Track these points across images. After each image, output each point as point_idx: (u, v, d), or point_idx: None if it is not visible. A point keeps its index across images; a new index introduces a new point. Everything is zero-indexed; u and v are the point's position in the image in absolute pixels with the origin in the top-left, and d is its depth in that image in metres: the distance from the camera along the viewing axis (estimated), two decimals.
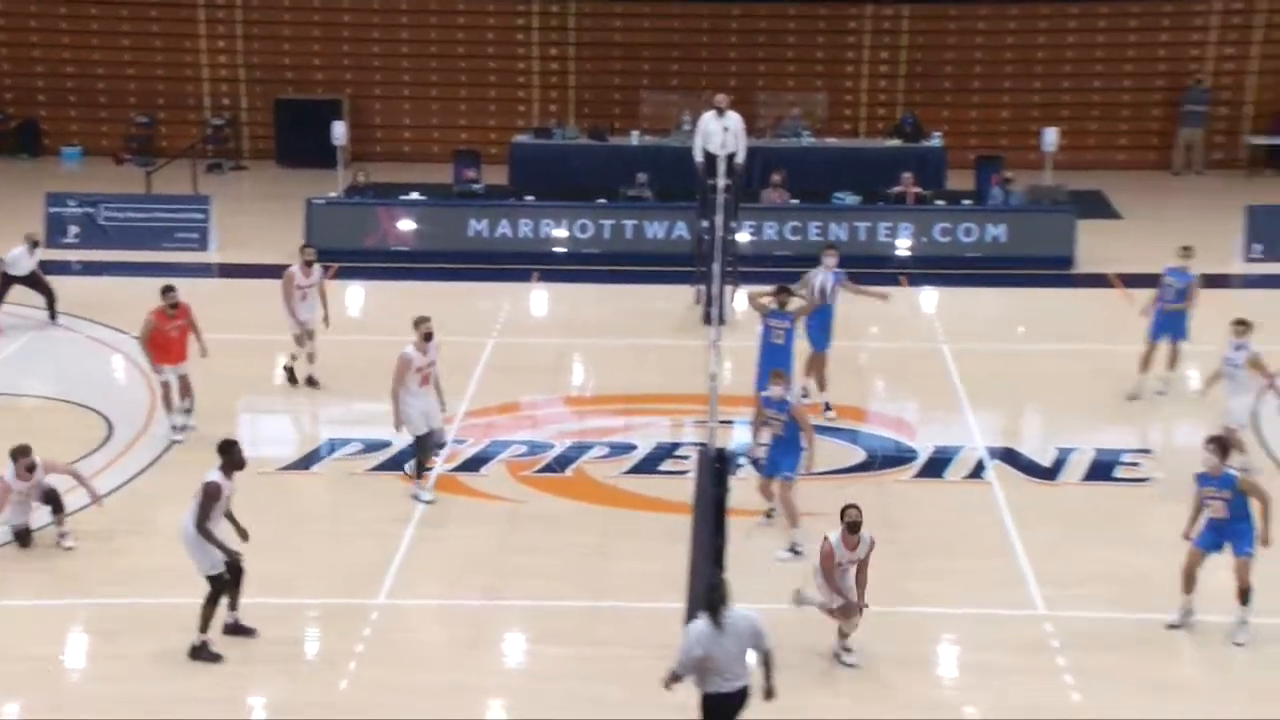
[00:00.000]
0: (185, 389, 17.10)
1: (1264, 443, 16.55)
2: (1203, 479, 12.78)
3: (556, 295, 22.91)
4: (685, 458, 15.99)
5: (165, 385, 17.00)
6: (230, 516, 12.59)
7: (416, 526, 14.92)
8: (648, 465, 16.37)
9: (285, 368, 18.59)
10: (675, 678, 10.37)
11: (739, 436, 16.58)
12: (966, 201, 25.50)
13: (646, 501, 15.49)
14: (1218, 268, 23.69)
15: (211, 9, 30.64)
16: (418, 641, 12.92)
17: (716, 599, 10.23)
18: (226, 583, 12.46)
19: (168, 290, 16.95)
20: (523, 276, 23.24)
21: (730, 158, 21.45)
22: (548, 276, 23.36)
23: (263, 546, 14.47)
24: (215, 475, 12.37)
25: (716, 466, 12.06)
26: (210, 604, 12.40)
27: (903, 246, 23.92)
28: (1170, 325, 17.92)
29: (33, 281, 21.00)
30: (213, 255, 24.43)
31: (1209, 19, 29.90)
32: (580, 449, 16.54)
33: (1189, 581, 12.81)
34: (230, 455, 12.45)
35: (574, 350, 20.30)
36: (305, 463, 16.52)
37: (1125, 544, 14.60)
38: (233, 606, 12.67)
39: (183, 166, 27.59)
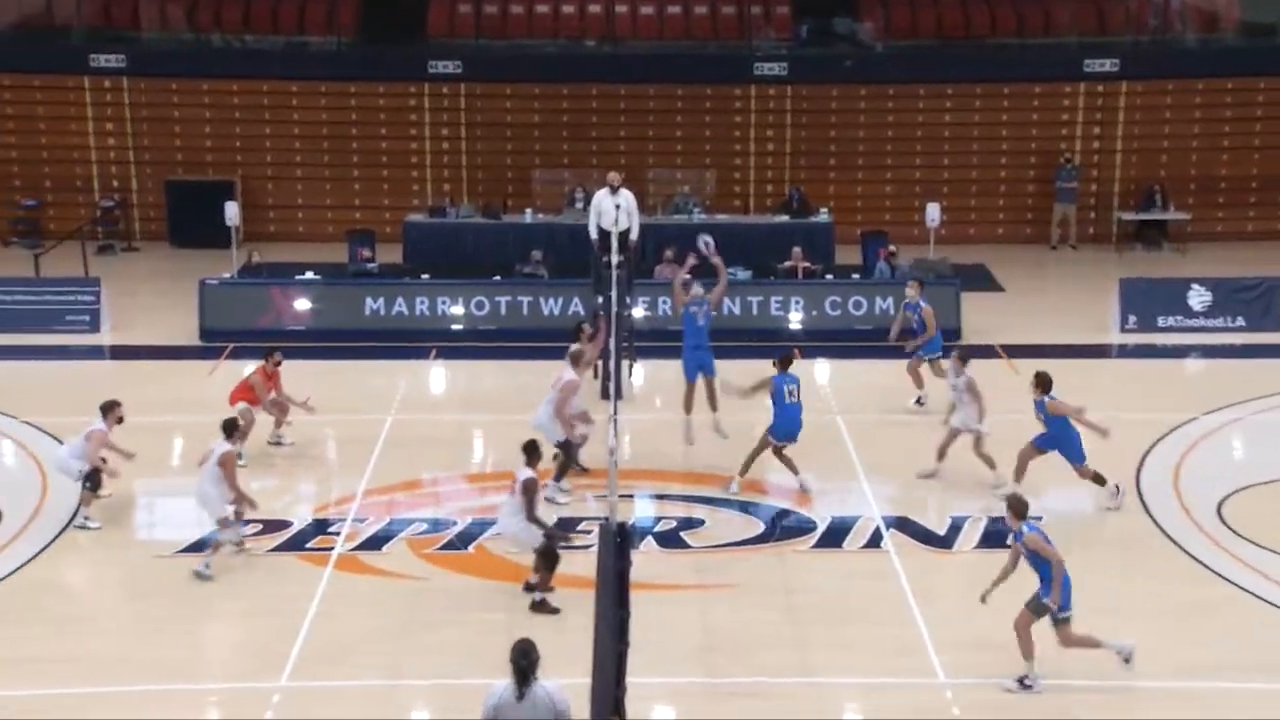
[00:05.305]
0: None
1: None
2: None
3: (455, 371, 22.80)
4: (588, 532, 15.87)
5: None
6: None
7: (318, 605, 14.64)
8: None
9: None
10: None
11: (640, 510, 16.54)
12: (855, 276, 25.76)
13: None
14: (1096, 338, 24.27)
15: (98, 91, 30.22)
16: None
17: (525, 665, 9.71)
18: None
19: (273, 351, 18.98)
20: (421, 354, 23.10)
21: (624, 234, 21.57)
22: (445, 354, 23.24)
23: (163, 631, 14.17)
24: (528, 472, 14.44)
25: (618, 540, 11.99)
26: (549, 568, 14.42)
27: (795, 320, 24.08)
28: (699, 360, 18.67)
29: None
30: (104, 337, 23.98)
31: (1076, 100, 30.70)
32: (482, 525, 16.31)
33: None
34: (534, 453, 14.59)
35: (473, 426, 20.17)
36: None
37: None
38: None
39: (72, 249, 27.11)
